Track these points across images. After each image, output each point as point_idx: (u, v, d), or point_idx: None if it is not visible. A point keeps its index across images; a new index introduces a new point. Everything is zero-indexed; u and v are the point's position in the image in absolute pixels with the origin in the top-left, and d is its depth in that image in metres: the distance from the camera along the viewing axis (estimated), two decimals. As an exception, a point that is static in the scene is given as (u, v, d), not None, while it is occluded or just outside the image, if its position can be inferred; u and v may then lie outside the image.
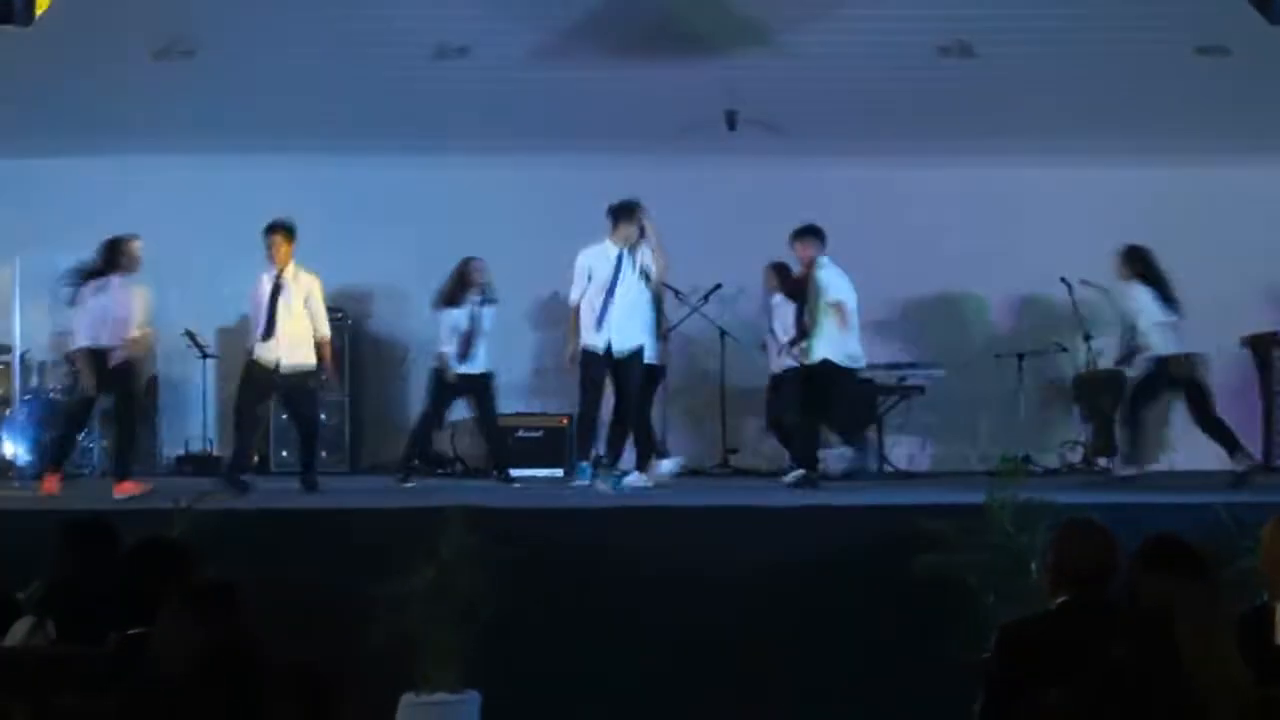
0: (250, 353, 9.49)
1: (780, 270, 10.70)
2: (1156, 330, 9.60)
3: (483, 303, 10.40)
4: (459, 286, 10.40)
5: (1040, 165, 11.98)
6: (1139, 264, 9.82)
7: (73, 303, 9.19)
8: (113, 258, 9.22)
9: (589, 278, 9.40)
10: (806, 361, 9.80)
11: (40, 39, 8.51)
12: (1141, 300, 9.67)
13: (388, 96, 10.47)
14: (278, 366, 9.41)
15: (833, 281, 9.80)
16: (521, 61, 9.66)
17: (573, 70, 9.80)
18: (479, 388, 10.42)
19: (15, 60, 9.30)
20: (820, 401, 9.78)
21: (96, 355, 9.09)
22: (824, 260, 9.84)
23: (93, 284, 9.13)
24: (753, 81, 10.13)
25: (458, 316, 10.34)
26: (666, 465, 10.02)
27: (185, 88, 10.04)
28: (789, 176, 11.87)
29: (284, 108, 10.72)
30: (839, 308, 9.73)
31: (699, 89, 10.23)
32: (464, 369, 10.32)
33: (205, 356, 12.03)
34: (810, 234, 9.87)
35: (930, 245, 11.66)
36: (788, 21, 9.19)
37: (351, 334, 12.17)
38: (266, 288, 9.43)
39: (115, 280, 9.16)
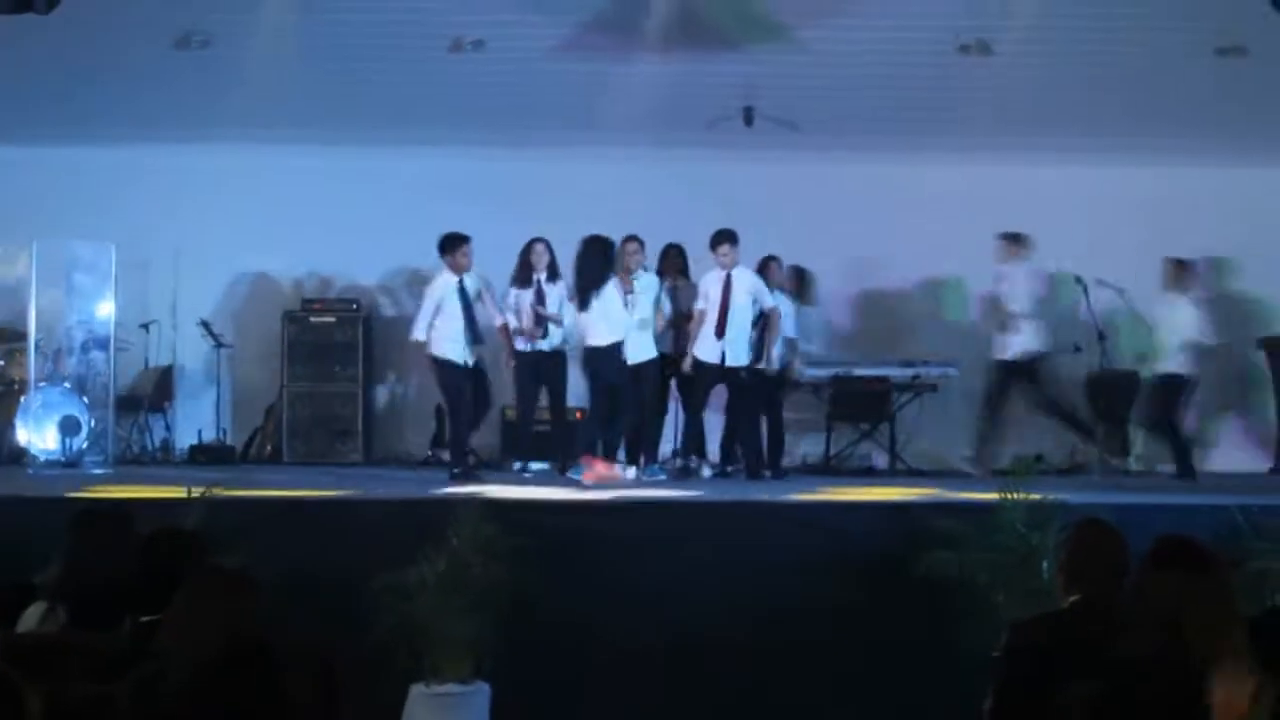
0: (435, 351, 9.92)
1: None
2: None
3: (549, 280, 10.52)
4: (523, 267, 10.53)
5: (1057, 164, 11.93)
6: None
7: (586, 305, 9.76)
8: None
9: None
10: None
11: (60, 27, 8.55)
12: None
13: (403, 89, 10.48)
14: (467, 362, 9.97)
15: None
16: (538, 56, 9.67)
17: (589, 65, 9.80)
18: (551, 365, 10.51)
19: (35, 48, 9.34)
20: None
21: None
22: None
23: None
24: (770, 77, 10.13)
25: (520, 297, 10.46)
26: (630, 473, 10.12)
27: (203, 78, 10.05)
28: (805, 173, 11.85)
29: (300, 99, 10.72)
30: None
31: (716, 85, 10.23)
32: (538, 347, 10.43)
33: (220, 346, 12.06)
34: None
35: (946, 243, 11.62)
36: (806, 18, 9.19)
37: (365, 324, 12.19)
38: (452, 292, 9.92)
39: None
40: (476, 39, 9.46)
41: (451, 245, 9.97)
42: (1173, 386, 10.47)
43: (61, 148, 11.73)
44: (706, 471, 10.42)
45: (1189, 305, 10.54)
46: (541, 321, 10.36)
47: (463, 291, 9.92)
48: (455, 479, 9.57)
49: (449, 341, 9.87)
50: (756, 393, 10.31)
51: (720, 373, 10.11)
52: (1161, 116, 10.90)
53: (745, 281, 10.18)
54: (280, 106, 10.88)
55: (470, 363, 9.98)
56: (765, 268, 10.69)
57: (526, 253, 10.48)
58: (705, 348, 10.10)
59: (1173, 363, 10.44)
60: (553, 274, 10.53)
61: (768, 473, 10.14)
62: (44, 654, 4.17)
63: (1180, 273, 10.62)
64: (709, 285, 10.18)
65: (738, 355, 10.13)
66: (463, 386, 9.95)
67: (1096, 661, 3.48)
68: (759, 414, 10.38)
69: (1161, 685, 3.23)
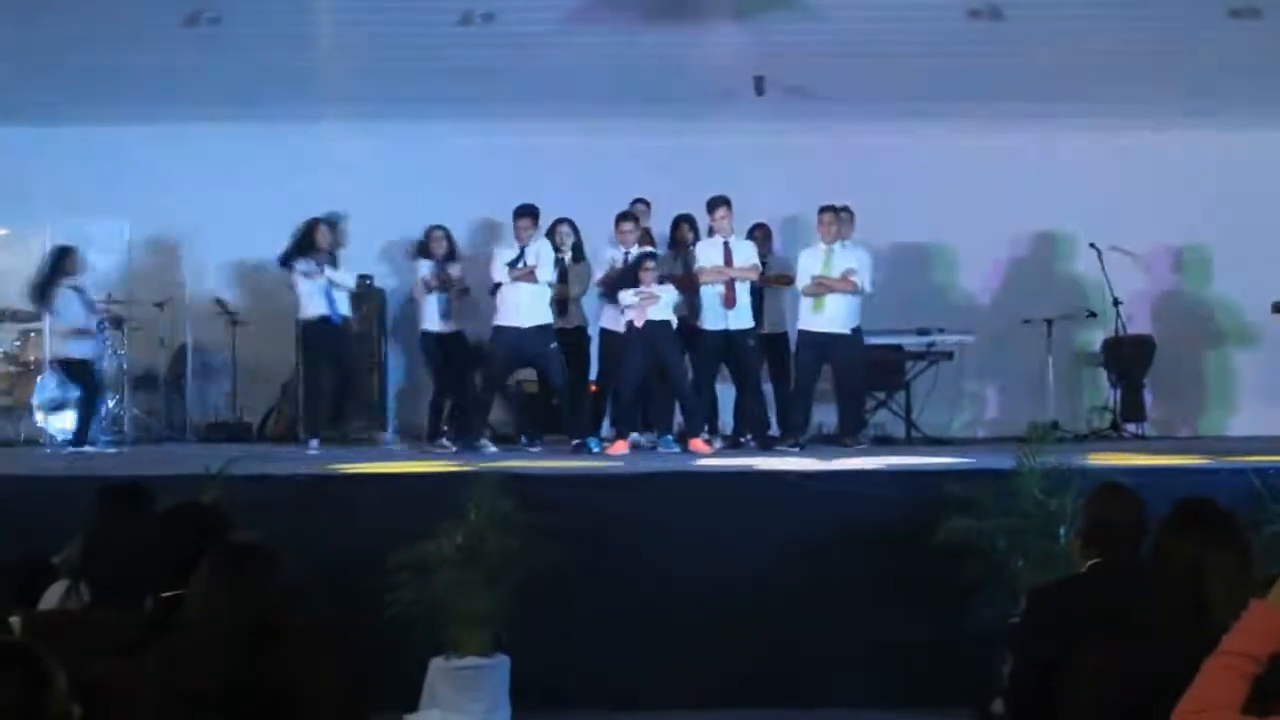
0: None
1: None
2: None
3: (575, 261, 10.54)
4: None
5: (1069, 129, 11.91)
6: None
7: None
8: None
9: None
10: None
11: (70, 6, 8.55)
12: None
13: (413, 63, 10.45)
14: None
15: None
16: (547, 28, 9.64)
17: (598, 36, 9.76)
18: (566, 345, 10.46)
19: (47, 29, 9.34)
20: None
21: None
22: None
23: None
24: (781, 46, 10.09)
25: None
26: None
27: (213, 55, 10.04)
28: (817, 142, 11.82)
29: (310, 75, 10.70)
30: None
31: (727, 54, 10.18)
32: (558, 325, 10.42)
33: (235, 323, 12.06)
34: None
35: (959, 210, 11.58)
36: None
37: (382, 299, 12.20)
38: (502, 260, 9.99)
39: None
40: (486, 11, 9.43)
41: (514, 215, 10.02)
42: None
43: (73, 127, 11.76)
44: (718, 443, 10.43)
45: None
46: (564, 303, 10.35)
47: (515, 262, 9.89)
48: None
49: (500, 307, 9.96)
50: (760, 360, 10.37)
51: (727, 341, 10.12)
52: (1174, 79, 10.84)
53: (744, 249, 10.19)
54: (290, 83, 10.87)
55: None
56: (753, 235, 10.73)
57: (551, 234, 10.44)
58: (712, 317, 10.08)
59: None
60: (578, 254, 10.51)
61: (791, 442, 10.14)
62: (68, 631, 4.20)
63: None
64: (708, 254, 10.16)
65: (742, 322, 10.12)
66: (495, 353, 10.01)
67: (1116, 626, 3.48)
68: (759, 381, 10.41)
69: (1181, 648, 3.23)
